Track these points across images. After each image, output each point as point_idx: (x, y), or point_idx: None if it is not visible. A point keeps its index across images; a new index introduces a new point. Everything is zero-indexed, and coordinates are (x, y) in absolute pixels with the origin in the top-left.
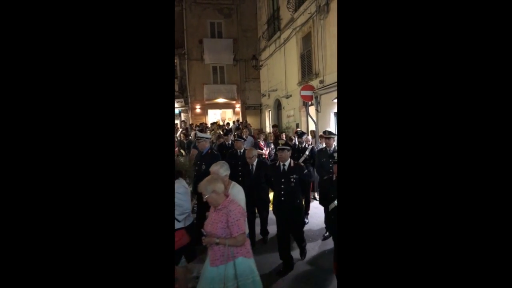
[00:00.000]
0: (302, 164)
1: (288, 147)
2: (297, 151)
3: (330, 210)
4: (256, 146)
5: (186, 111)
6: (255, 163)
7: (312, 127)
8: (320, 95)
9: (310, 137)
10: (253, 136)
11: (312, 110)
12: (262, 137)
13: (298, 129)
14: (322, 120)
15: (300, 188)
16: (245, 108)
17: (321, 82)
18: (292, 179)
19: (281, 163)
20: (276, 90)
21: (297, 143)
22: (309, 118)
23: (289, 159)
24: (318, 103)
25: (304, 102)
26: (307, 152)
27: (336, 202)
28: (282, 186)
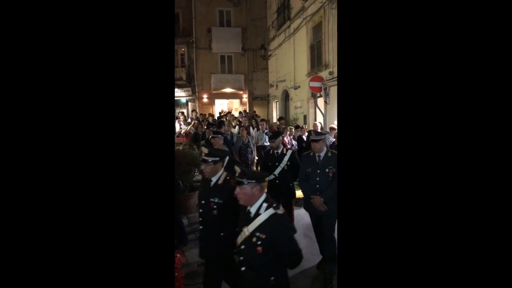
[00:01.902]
0: (234, 182)
1: (215, 158)
2: (271, 159)
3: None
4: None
5: (193, 100)
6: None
7: (320, 119)
8: (329, 86)
9: (306, 132)
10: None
11: (320, 101)
12: (287, 132)
13: (280, 123)
14: (331, 112)
15: (228, 217)
16: (252, 99)
17: (331, 73)
18: (213, 204)
19: (208, 178)
20: (284, 80)
21: (285, 146)
22: (318, 110)
23: (219, 174)
24: (327, 95)
25: (312, 94)
26: (285, 159)
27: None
28: (201, 210)
